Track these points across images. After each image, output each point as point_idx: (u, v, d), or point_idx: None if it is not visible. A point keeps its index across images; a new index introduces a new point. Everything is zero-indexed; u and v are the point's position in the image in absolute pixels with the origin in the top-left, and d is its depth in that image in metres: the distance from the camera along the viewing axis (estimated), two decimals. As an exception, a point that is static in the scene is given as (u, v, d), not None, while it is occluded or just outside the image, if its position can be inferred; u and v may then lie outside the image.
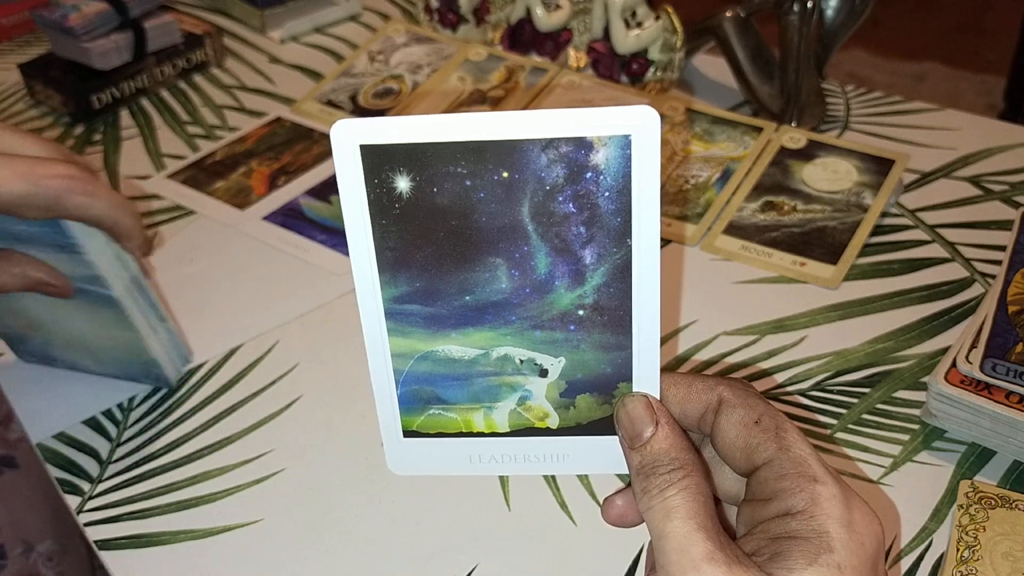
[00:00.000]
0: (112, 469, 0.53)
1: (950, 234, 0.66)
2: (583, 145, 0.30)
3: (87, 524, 0.50)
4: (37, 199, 0.44)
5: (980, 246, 0.65)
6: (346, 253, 0.67)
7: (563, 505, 0.50)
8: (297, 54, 0.95)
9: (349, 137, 0.30)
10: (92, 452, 0.54)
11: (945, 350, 0.57)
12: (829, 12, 0.76)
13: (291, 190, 0.74)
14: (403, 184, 0.31)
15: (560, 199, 0.31)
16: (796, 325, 0.60)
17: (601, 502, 0.49)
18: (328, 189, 0.74)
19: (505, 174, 0.30)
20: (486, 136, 0.30)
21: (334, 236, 0.69)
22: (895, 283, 0.62)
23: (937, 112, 0.79)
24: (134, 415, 0.56)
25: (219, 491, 0.52)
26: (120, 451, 0.54)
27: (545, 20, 0.85)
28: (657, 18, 0.81)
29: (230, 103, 0.87)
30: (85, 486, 0.52)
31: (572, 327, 0.33)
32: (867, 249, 0.65)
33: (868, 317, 0.60)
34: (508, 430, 0.35)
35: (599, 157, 0.30)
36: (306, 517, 0.50)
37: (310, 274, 0.66)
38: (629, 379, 0.33)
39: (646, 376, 0.33)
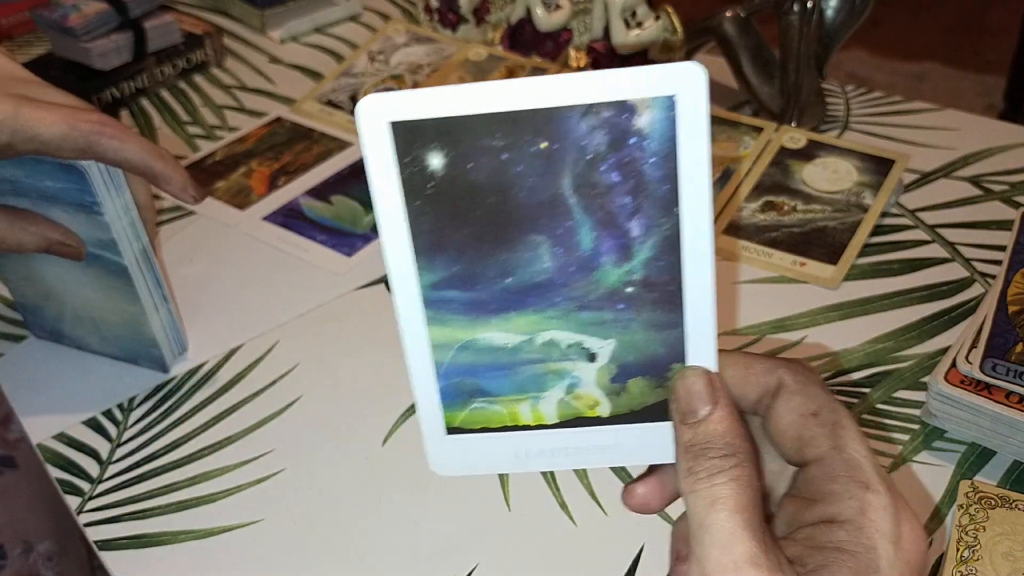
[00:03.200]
0: (112, 469, 0.53)
1: (950, 234, 0.66)
2: (625, 109, 0.28)
3: (87, 524, 0.50)
4: (74, 140, 0.48)
5: (980, 246, 0.65)
6: (346, 253, 0.67)
7: (563, 505, 0.50)
8: (297, 54, 0.95)
9: (377, 114, 0.29)
10: (92, 452, 0.54)
11: (945, 350, 0.57)
12: (829, 12, 0.76)
13: (291, 190, 0.74)
14: (436, 162, 0.29)
15: (603, 168, 0.29)
16: (796, 325, 0.60)
17: (601, 502, 0.49)
18: (328, 189, 0.74)
19: (544, 144, 0.29)
20: (521, 105, 0.28)
21: (334, 236, 0.69)
22: (895, 283, 0.62)
23: (937, 112, 0.79)
24: (134, 415, 0.56)
25: (219, 491, 0.52)
26: (120, 451, 0.54)
27: (545, 20, 0.85)
28: (657, 18, 0.81)
29: (230, 103, 0.87)
30: (85, 486, 0.52)
31: (620, 306, 0.31)
32: (867, 249, 0.65)
33: (868, 317, 0.60)
34: (557, 421, 0.33)
35: (643, 121, 0.28)
36: (306, 517, 0.50)
37: (310, 274, 0.66)
38: (683, 359, 0.31)
39: (702, 355, 0.31)
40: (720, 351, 0.31)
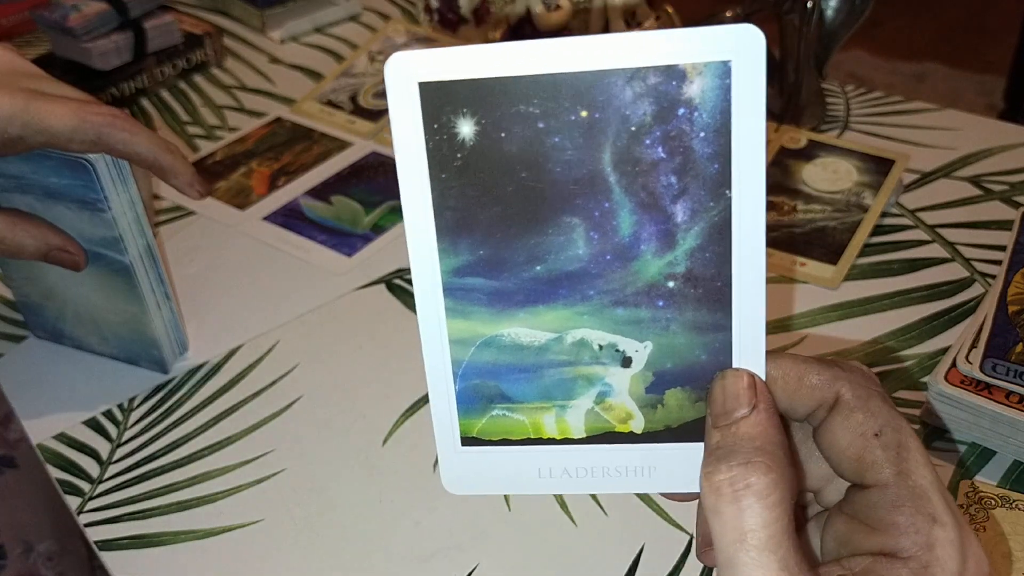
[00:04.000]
0: (112, 470, 0.53)
1: (950, 234, 0.66)
2: (674, 75, 0.25)
3: (87, 524, 0.50)
4: (84, 132, 0.48)
5: (980, 246, 0.65)
6: (346, 253, 0.67)
7: (563, 505, 0.50)
8: (297, 54, 0.95)
9: (406, 73, 0.26)
10: (92, 452, 0.54)
11: (945, 350, 0.57)
12: (829, 12, 0.76)
13: (291, 190, 0.74)
14: (467, 129, 0.26)
15: (647, 142, 0.26)
16: (796, 325, 0.60)
17: (601, 502, 0.49)
18: (328, 189, 0.74)
19: (584, 113, 0.26)
20: (562, 67, 0.25)
21: (334, 236, 0.69)
22: (895, 283, 0.62)
23: (937, 112, 0.79)
24: (134, 415, 0.56)
25: (219, 491, 0.52)
26: (120, 451, 0.54)
27: (545, 20, 0.85)
28: (657, 18, 0.81)
29: (230, 103, 0.87)
30: (85, 486, 0.52)
31: (660, 303, 0.28)
32: (867, 249, 0.65)
33: (868, 317, 0.60)
34: (584, 436, 0.29)
35: (693, 89, 0.25)
36: (306, 517, 0.50)
37: (310, 274, 0.66)
38: (728, 368, 0.28)
39: (749, 364, 0.28)
40: (769, 354, 0.28)
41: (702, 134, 0.26)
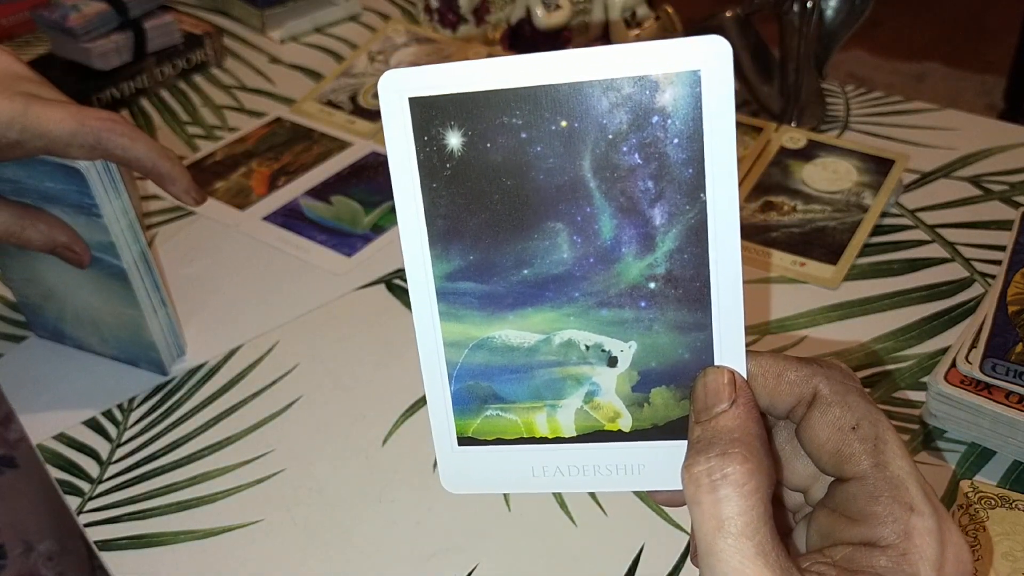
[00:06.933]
0: (112, 470, 0.53)
1: (950, 234, 0.66)
2: (648, 85, 0.27)
3: (87, 524, 0.50)
4: (83, 137, 0.48)
5: (980, 246, 0.65)
6: (346, 253, 0.67)
7: (563, 505, 0.50)
8: (297, 54, 0.95)
9: (397, 89, 0.28)
10: (92, 452, 0.54)
11: (945, 350, 0.57)
12: (829, 12, 0.75)
13: (291, 190, 0.74)
14: (454, 140, 0.28)
15: (624, 149, 0.27)
16: (796, 325, 0.60)
17: (601, 502, 0.49)
18: (328, 189, 0.74)
19: (563, 123, 0.27)
20: (542, 80, 0.27)
21: (334, 236, 0.69)
22: (895, 283, 0.62)
23: (937, 112, 0.79)
24: (134, 416, 0.56)
25: (219, 491, 0.52)
26: (120, 452, 0.54)
27: (545, 20, 0.85)
28: (657, 18, 0.81)
29: (230, 103, 0.87)
30: (85, 486, 0.52)
31: (643, 303, 0.29)
32: (867, 249, 0.65)
33: (868, 317, 0.60)
34: (575, 435, 0.30)
35: (666, 98, 0.27)
36: (306, 517, 0.50)
37: (310, 274, 0.66)
38: (710, 366, 0.29)
39: (729, 361, 0.29)
40: (750, 352, 0.29)
41: (676, 140, 0.27)
